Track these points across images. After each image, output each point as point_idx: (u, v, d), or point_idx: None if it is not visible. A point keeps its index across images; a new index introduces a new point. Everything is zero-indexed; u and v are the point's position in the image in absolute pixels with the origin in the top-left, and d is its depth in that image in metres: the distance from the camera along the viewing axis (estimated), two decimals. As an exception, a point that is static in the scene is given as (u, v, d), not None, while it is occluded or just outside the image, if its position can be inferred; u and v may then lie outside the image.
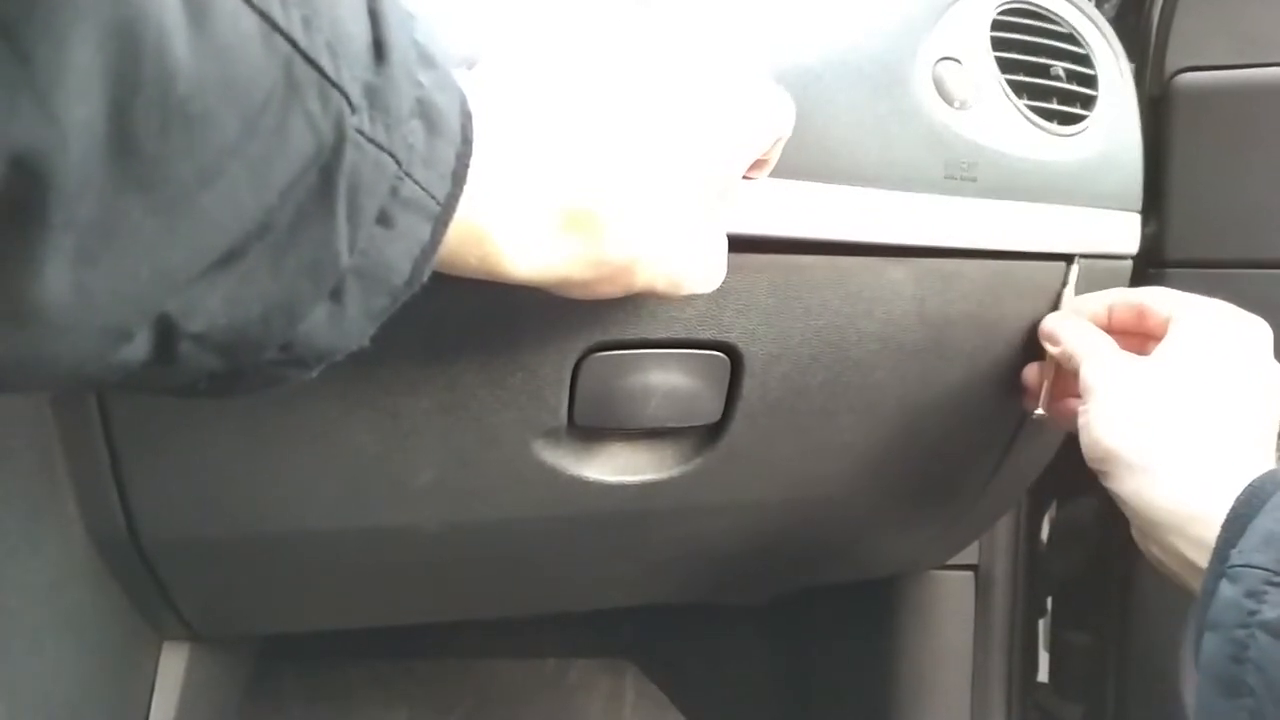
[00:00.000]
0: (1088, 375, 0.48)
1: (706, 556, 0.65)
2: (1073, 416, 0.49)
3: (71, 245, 0.21)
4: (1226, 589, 0.39)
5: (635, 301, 0.46)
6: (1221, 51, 0.64)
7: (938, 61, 0.51)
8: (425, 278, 0.29)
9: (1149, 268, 0.65)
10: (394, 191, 0.27)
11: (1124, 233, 0.57)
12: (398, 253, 0.28)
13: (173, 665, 0.62)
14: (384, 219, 0.27)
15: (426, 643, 0.98)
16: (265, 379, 0.29)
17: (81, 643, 0.52)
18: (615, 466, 0.53)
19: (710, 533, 0.61)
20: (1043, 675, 0.85)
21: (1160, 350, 0.48)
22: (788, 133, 0.41)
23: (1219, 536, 0.41)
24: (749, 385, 0.51)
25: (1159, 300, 0.51)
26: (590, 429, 0.51)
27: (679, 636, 1.01)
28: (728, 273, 0.42)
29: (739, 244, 0.43)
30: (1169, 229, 0.65)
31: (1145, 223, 0.58)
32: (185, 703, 0.62)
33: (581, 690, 1.02)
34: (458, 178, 0.29)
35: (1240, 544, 0.40)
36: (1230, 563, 0.39)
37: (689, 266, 0.38)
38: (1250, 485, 0.41)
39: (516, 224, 0.32)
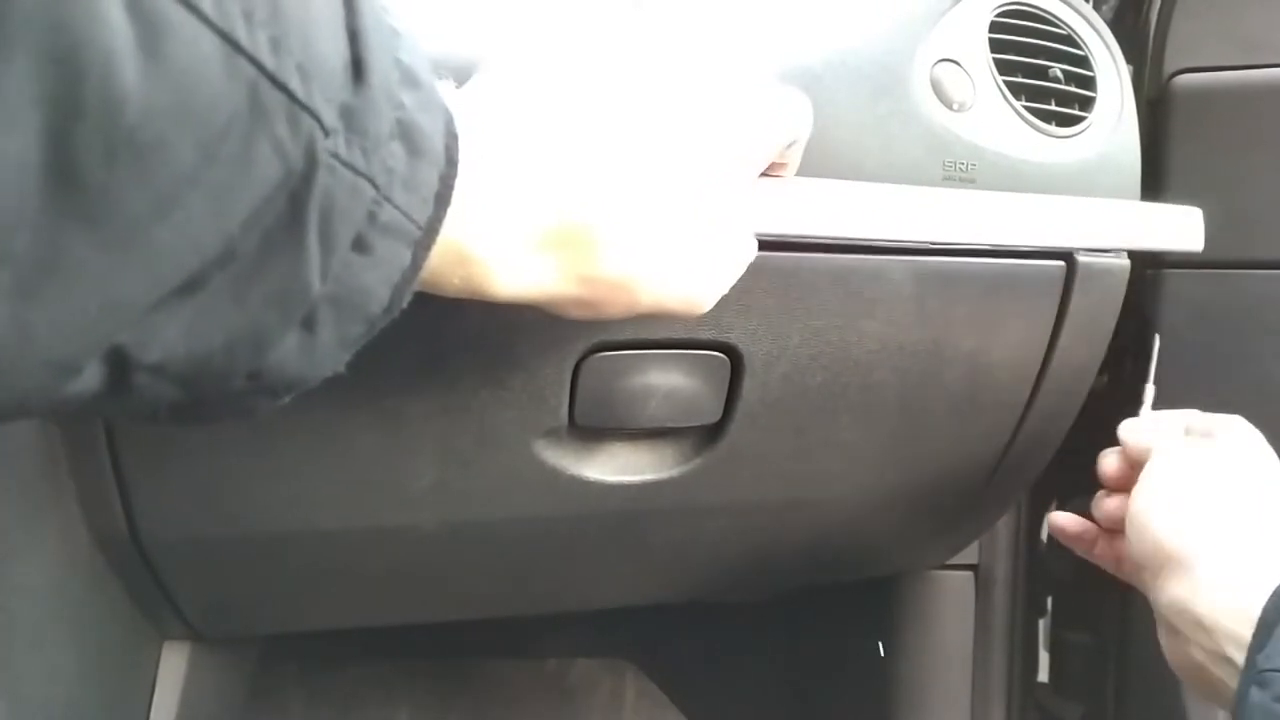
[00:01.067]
0: (1151, 464, 0.49)
1: (706, 556, 0.65)
2: None
3: (8, 279, 0.20)
4: (1256, 694, 0.39)
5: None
6: (1219, 53, 0.64)
7: (936, 63, 0.51)
8: (406, 303, 0.28)
9: (1148, 269, 0.65)
10: (372, 217, 0.26)
11: (1187, 230, 0.55)
12: (376, 279, 0.27)
13: (173, 665, 0.62)
14: (360, 245, 0.26)
15: (426, 643, 0.98)
16: (232, 408, 0.28)
17: (82, 643, 0.52)
18: (615, 466, 0.53)
19: (710, 533, 0.61)
20: (1043, 675, 0.85)
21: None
22: (805, 135, 0.40)
23: (1250, 642, 0.41)
24: (749, 385, 0.51)
25: (1219, 424, 0.52)
26: (591, 429, 0.51)
27: (679, 636, 1.01)
28: None
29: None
30: (1168, 230, 0.65)
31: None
32: (186, 703, 0.62)
33: (581, 690, 1.02)
34: (441, 200, 0.28)
35: (1267, 649, 0.40)
36: (1259, 668, 0.40)
37: (697, 282, 0.37)
38: (1277, 589, 0.41)
39: (501, 242, 0.31)
